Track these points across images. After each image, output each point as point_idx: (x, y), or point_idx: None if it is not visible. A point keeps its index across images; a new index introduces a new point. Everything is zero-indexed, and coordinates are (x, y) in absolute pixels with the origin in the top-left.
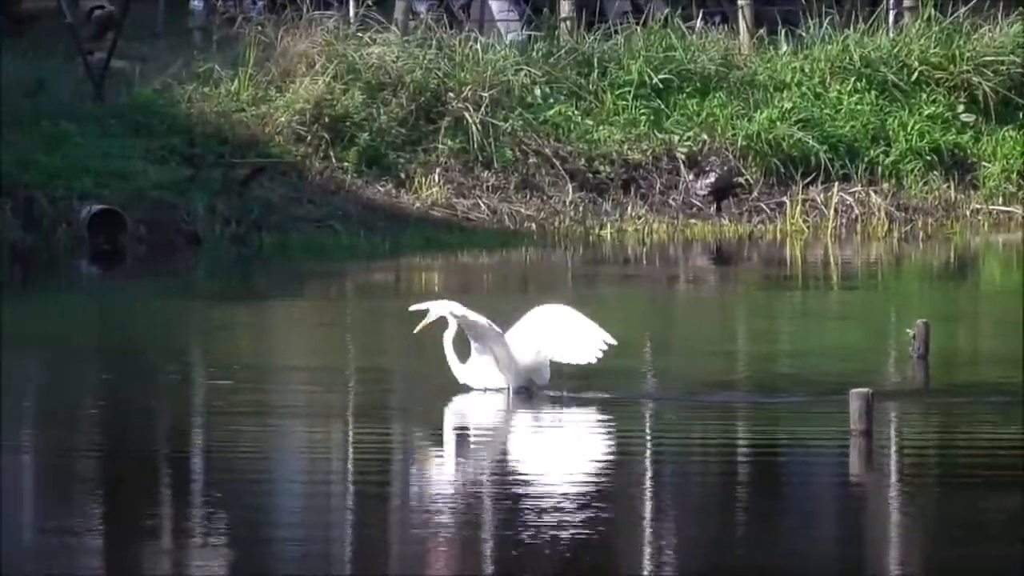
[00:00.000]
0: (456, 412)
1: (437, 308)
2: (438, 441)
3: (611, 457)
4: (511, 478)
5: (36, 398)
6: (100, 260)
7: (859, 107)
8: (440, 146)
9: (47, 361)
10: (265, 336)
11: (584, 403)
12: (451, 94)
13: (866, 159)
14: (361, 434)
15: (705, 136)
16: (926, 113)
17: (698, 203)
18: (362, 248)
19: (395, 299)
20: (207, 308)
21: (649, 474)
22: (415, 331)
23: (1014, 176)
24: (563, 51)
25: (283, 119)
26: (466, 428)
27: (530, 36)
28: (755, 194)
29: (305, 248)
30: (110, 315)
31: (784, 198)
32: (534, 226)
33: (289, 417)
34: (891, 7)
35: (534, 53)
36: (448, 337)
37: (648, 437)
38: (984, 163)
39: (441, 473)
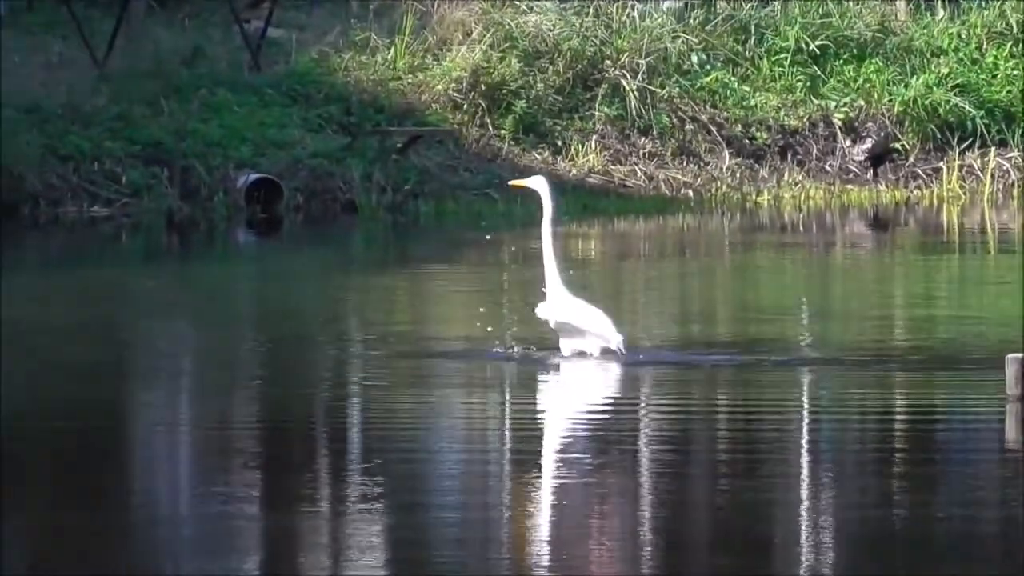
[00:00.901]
0: (595, 383)
1: (532, 181)
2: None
3: (770, 423)
4: (664, 446)
5: (194, 369)
6: (257, 229)
7: (1015, 72)
8: (597, 113)
9: (204, 331)
10: (423, 305)
11: (739, 367)
12: (608, 61)
13: (1023, 124)
14: (517, 405)
15: (862, 102)
16: None
17: (855, 169)
18: (518, 215)
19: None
20: (365, 277)
21: (805, 439)
22: (510, 183)
23: None
24: (720, 18)
25: (440, 87)
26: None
27: (687, 3)
28: (911, 160)
29: (462, 216)
30: (267, 284)
31: (941, 163)
32: (691, 193)
33: (445, 387)
34: None
35: (691, 20)
36: (547, 222)
37: (805, 403)
38: None
39: (595, 440)
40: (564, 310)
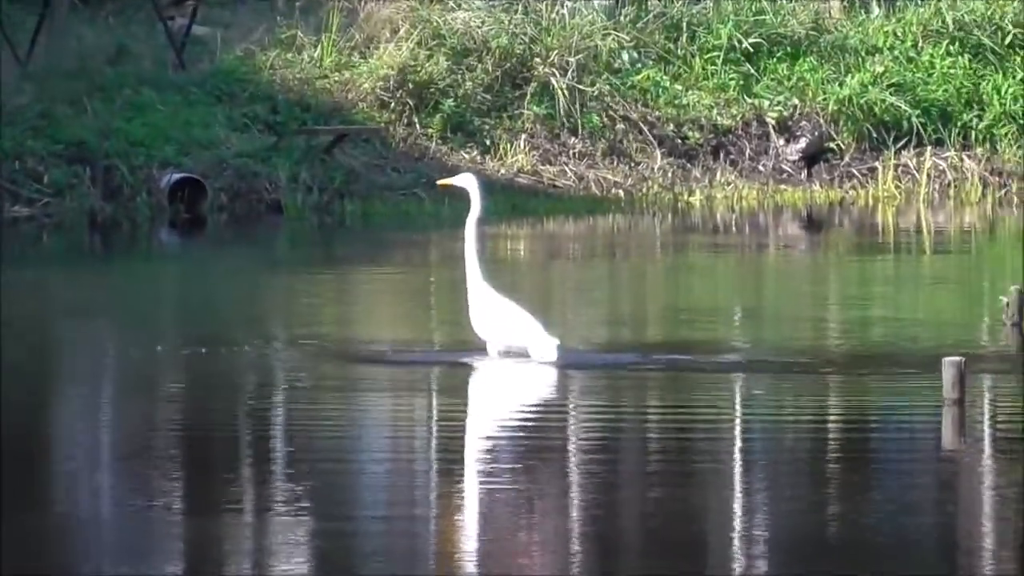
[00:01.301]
0: (526, 385)
1: (461, 179)
2: (514, 413)
3: (703, 428)
4: (593, 452)
5: (115, 372)
6: (181, 229)
7: (952, 71)
8: (526, 112)
9: (125, 333)
10: (349, 307)
11: (673, 368)
12: (537, 59)
13: (959, 124)
14: (444, 410)
15: (796, 101)
16: (1020, 76)
17: (789, 169)
18: (446, 215)
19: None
20: (290, 278)
21: (738, 446)
22: (438, 182)
23: None
24: (651, 15)
25: (367, 86)
26: (543, 402)
27: (617, 0)
28: (846, 159)
29: (389, 216)
30: (190, 285)
31: (876, 163)
32: (621, 193)
33: (370, 391)
34: None
35: (622, 17)
36: (472, 220)
37: (738, 408)
38: None
39: (519, 447)
40: (494, 321)
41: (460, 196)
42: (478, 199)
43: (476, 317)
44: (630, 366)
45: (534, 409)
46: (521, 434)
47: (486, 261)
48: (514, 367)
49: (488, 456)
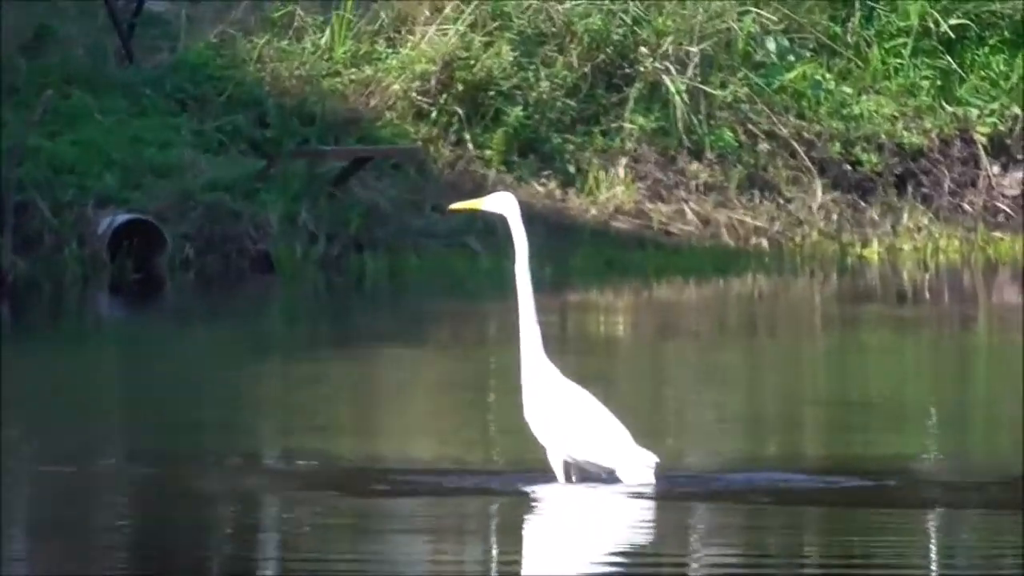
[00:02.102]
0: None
1: (492, 201)
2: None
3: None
4: None
5: (36, 503)
6: (127, 295)
7: None
8: (627, 126)
9: (49, 447)
10: (368, 409)
11: (836, 497)
12: (643, 49)
13: None
14: (502, 559)
15: (1017, 110)
16: None
17: (1006, 208)
18: (510, 276)
19: (560, 357)
20: (284, 367)
21: None
22: (451, 206)
23: None
24: None
25: (397, 87)
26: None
27: None
28: None
29: (428, 276)
30: (141, 378)
31: None
32: (765, 243)
33: (399, 533)
34: None
35: None
36: (522, 265)
37: (933, 557)
38: None
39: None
40: (558, 419)
41: (535, 249)
42: (521, 229)
43: (531, 410)
44: (772, 491)
45: (620, 563)
46: None
47: (559, 341)
48: (592, 495)
49: None
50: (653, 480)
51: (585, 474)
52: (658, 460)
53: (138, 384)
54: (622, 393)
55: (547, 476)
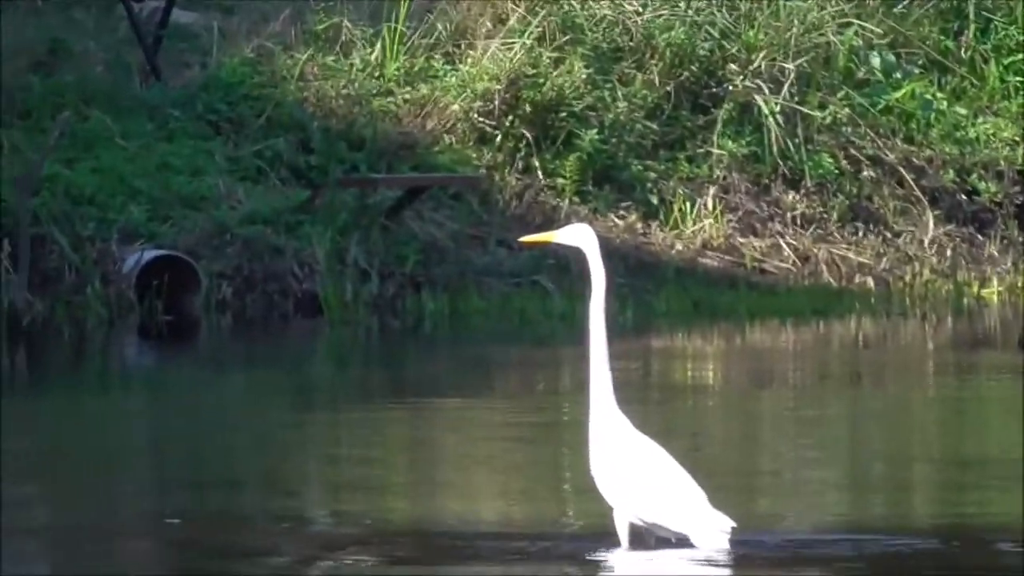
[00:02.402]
0: None
1: (568, 234)
2: None
3: None
4: None
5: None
6: (156, 338)
7: None
8: (716, 151)
9: (65, 505)
10: (426, 469)
11: (950, 567)
12: (733, 66)
13: None
14: None
15: None
16: None
17: None
18: (585, 319)
19: (641, 408)
20: (332, 419)
21: None
22: (522, 239)
23: None
24: None
25: (456, 107)
26: None
27: None
28: None
29: (493, 318)
30: (172, 430)
31: None
32: (871, 282)
33: None
34: None
35: None
36: (597, 303)
37: None
38: None
39: None
40: (627, 478)
41: (615, 287)
42: (599, 264)
43: (598, 465)
44: (875, 560)
45: None
46: None
47: (640, 389)
48: (658, 562)
49: None
50: (727, 546)
51: (653, 538)
52: (734, 525)
53: (168, 437)
54: (709, 449)
55: (613, 540)
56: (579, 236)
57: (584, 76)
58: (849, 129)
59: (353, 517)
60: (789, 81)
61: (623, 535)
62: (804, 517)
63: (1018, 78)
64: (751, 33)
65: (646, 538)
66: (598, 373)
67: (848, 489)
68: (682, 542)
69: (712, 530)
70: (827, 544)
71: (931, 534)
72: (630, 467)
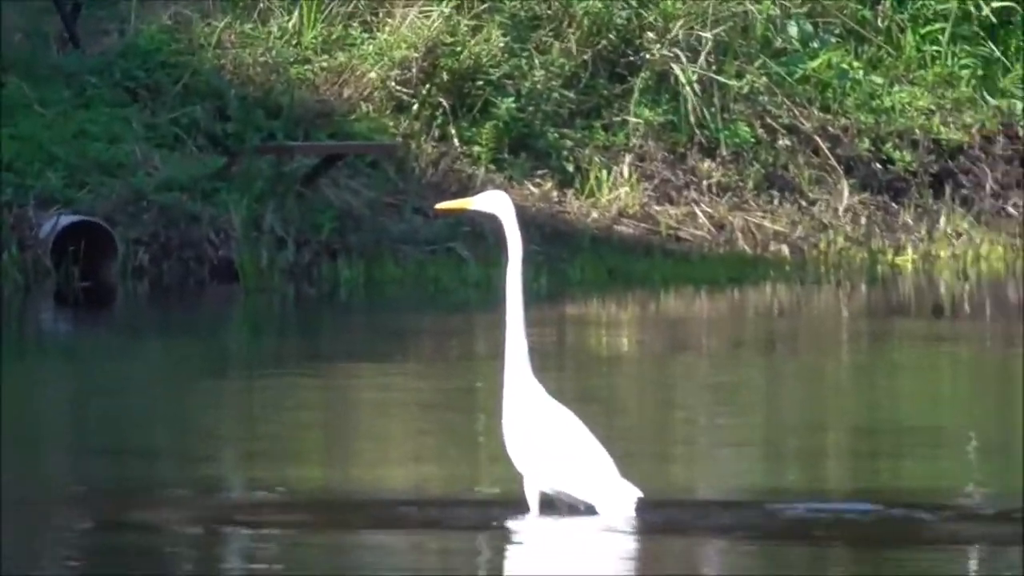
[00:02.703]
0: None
1: (485, 201)
2: None
3: None
4: None
5: None
6: (73, 305)
7: None
8: (632, 119)
9: None
10: (337, 436)
11: (859, 533)
12: (650, 34)
13: None
14: None
15: None
16: None
17: None
18: (501, 285)
19: (556, 375)
20: (247, 388)
21: None
22: (437, 205)
23: None
24: None
25: (374, 75)
26: None
27: None
28: None
29: (409, 286)
30: (83, 400)
31: None
32: (786, 250)
33: (363, 571)
34: None
35: None
36: (514, 269)
37: None
38: None
39: None
40: (536, 445)
41: (530, 256)
42: (516, 233)
43: (509, 432)
44: (787, 527)
45: None
46: None
47: (555, 357)
48: (570, 531)
49: None
50: (634, 516)
51: (565, 506)
52: (641, 495)
53: (84, 405)
54: (622, 416)
55: (524, 507)
56: (495, 203)
57: (501, 44)
58: (766, 98)
59: (267, 484)
60: (706, 50)
61: (533, 502)
62: (715, 484)
63: (934, 47)
64: (669, 2)
65: (557, 506)
66: (514, 340)
67: (761, 457)
68: (590, 510)
69: (618, 500)
70: (736, 511)
71: (844, 501)
72: (540, 435)
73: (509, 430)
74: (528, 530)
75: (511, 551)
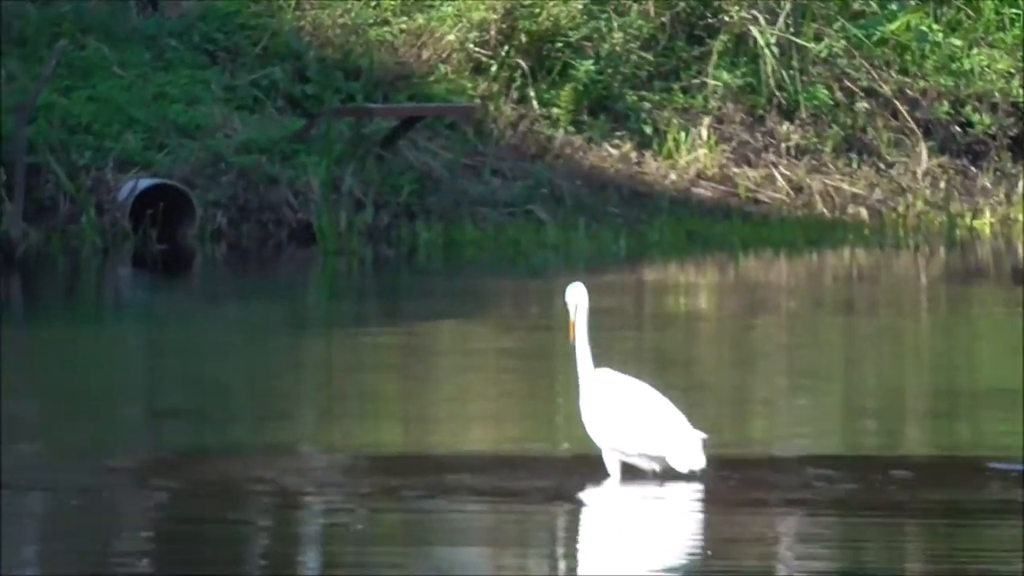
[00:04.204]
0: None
1: (571, 294)
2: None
3: None
4: None
5: (47, 508)
6: (151, 268)
7: None
8: (710, 82)
9: (56, 438)
10: (419, 398)
11: (941, 494)
12: None
13: None
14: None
15: None
16: None
17: None
18: (581, 249)
19: (629, 339)
20: (325, 348)
21: None
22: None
23: None
24: None
25: (452, 37)
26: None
27: None
28: None
29: (488, 247)
30: (162, 363)
31: None
32: (864, 212)
33: (442, 532)
34: None
35: None
36: (583, 327)
37: None
38: None
39: None
40: (609, 417)
41: (608, 218)
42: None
43: (587, 415)
44: (867, 489)
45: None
46: None
47: (634, 319)
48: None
49: None
50: (703, 461)
51: (650, 472)
52: (706, 436)
53: (162, 368)
54: (701, 377)
55: (603, 473)
56: (577, 295)
57: (580, 6)
58: (844, 60)
59: (348, 447)
60: (785, 12)
61: (614, 470)
62: (793, 443)
63: (1014, 10)
64: None
65: (638, 472)
66: (582, 357)
67: (840, 416)
68: (668, 472)
69: (686, 447)
70: (809, 467)
71: (921, 464)
72: (611, 407)
73: (586, 410)
74: (606, 497)
75: (586, 520)
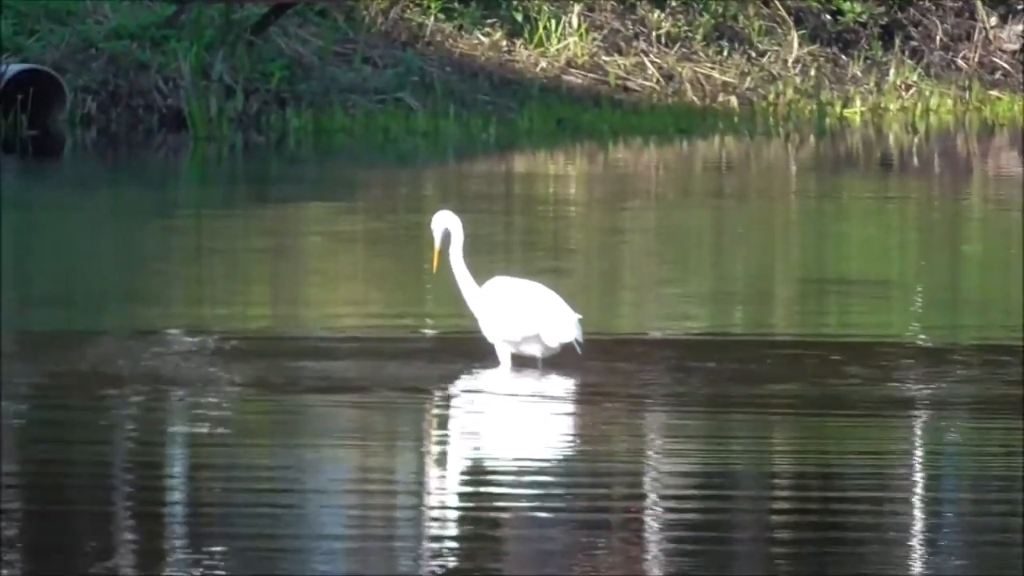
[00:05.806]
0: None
1: (437, 222)
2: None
3: (856, 468)
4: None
5: None
6: (21, 153)
7: None
8: None
9: None
10: (285, 282)
11: (802, 369)
12: None
13: None
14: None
15: None
16: None
17: (1004, 64)
18: (450, 136)
19: (497, 227)
20: (194, 233)
21: (921, 500)
22: (435, 270)
23: None
24: None
25: None
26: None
27: None
28: None
29: (357, 135)
30: (34, 245)
31: None
32: (734, 101)
33: (317, 429)
34: None
35: None
36: (458, 253)
37: (920, 454)
38: None
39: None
40: (494, 315)
41: (478, 106)
42: (460, 235)
43: (482, 321)
44: (732, 351)
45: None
46: (551, 497)
47: (504, 203)
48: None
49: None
50: (573, 334)
51: (525, 356)
52: (580, 317)
53: (31, 253)
54: (571, 263)
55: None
56: (446, 221)
57: None
58: None
59: (216, 330)
60: None
61: (504, 360)
62: (662, 328)
63: None
64: None
65: (525, 359)
66: (462, 280)
67: (708, 302)
68: (552, 359)
69: (560, 325)
70: (678, 347)
71: (788, 345)
72: (500, 310)
73: (480, 317)
74: (492, 382)
75: (456, 412)
